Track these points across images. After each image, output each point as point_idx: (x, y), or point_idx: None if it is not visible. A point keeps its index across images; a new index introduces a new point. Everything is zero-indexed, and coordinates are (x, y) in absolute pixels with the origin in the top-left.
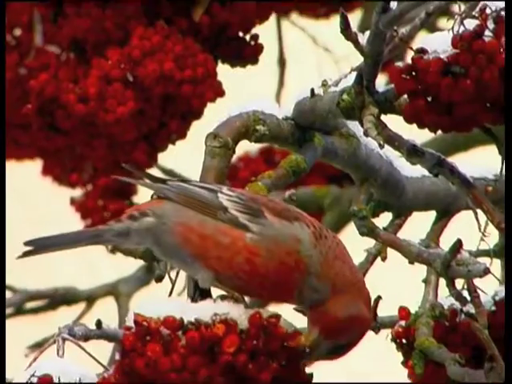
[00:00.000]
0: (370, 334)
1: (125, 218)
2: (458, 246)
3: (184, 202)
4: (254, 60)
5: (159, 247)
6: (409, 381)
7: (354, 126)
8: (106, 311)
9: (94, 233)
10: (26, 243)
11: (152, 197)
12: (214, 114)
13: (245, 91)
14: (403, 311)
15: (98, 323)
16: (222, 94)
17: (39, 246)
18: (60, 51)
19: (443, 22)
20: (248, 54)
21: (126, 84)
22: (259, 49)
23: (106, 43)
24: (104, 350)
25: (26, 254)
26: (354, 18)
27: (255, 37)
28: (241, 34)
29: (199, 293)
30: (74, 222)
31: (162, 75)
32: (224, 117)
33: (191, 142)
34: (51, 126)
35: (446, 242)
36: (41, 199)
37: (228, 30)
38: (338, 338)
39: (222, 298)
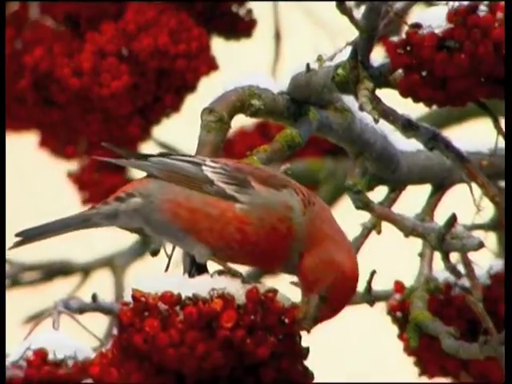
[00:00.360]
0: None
1: (111, 200)
2: (452, 219)
3: (168, 178)
4: (248, 34)
5: (149, 226)
6: (409, 380)
7: (348, 100)
8: (101, 283)
9: (82, 217)
10: (17, 234)
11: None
12: (210, 88)
13: (240, 65)
14: (398, 285)
15: (94, 296)
16: (215, 67)
17: (29, 237)
18: (55, 25)
19: None
20: (242, 27)
21: (121, 58)
22: (253, 23)
23: (101, 18)
24: (99, 323)
25: (16, 245)
26: None
27: (249, 11)
28: (235, 8)
29: (196, 268)
30: (73, 194)
31: (157, 50)
32: (219, 91)
33: (185, 116)
34: (46, 100)
35: (440, 216)
36: (39, 171)
37: (222, 3)
38: (317, 287)
39: (219, 273)
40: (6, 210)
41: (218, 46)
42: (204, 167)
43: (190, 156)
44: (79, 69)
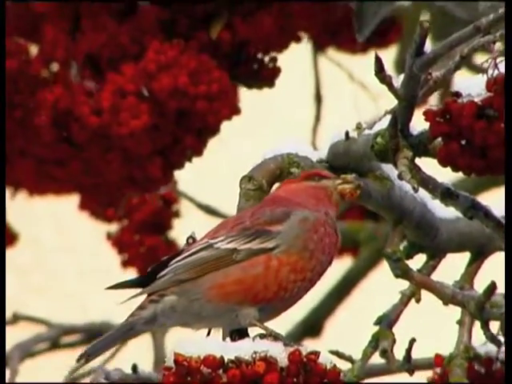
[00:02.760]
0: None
1: (146, 303)
2: (492, 287)
3: (196, 274)
4: (271, 83)
5: (192, 319)
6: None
7: (388, 167)
8: (140, 345)
9: (127, 327)
10: (82, 355)
11: (188, 240)
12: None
13: (282, 126)
14: (438, 358)
15: (134, 367)
16: (237, 111)
17: (91, 355)
18: (76, 66)
19: (482, 58)
20: (266, 75)
21: (141, 98)
22: (277, 71)
23: (122, 58)
24: None
25: (83, 363)
26: (391, 51)
27: (274, 59)
28: (260, 55)
29: (236, 334)
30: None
31: (176, 90)
32: (259, 159)
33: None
34: (66, 138)
35: (480, 284)
36: (79, 230)
37: (247, 48)
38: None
39: (261, 336)
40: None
41: (260, 104)
42: (217, 244)
43: (196, 245)
44: (99, 107)
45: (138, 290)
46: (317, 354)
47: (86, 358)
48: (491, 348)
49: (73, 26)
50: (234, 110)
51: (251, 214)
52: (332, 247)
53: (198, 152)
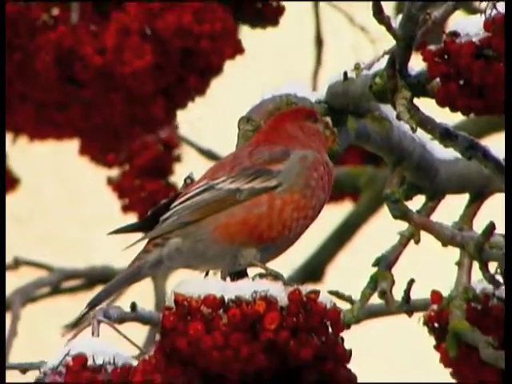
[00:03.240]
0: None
1: (151, 247)
2: (491, 228)
3: (202, 215)
4: (275, 21)
5: (197, 261)
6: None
7: (386, 108)
8: (142, 289)
9: (133, 271)
10: (87, 305)
11: (185, 180)
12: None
13: (284, 68)
14: (435, 295)
15: (133, 306)
16: (241, 51)
17: (96, 304)
18: (78, 7)
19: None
20: (269, 14)
21: (144, 37)
22: (281, 10)
23: None
24: (139, 332)
25: (86, 313)
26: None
27: None
28: None
29: (236, 274)
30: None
31: (180, 28)
32: (257, 100)
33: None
34: (69, 78)
35: (479, 225)
36: (79, 176)
37: None
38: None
39: (261, 276)
40: (49, 216)
41: (261, 48)
42: (219, 185)
43: (197, 187)
44: (102, 46)
45: (140, 234)
46: (317, 293)
47: (93, 304)
48: (488, 285)
49: None
50: (238, 49)
51: (248, 153)
52: (330, 185)
53: (202, 92)
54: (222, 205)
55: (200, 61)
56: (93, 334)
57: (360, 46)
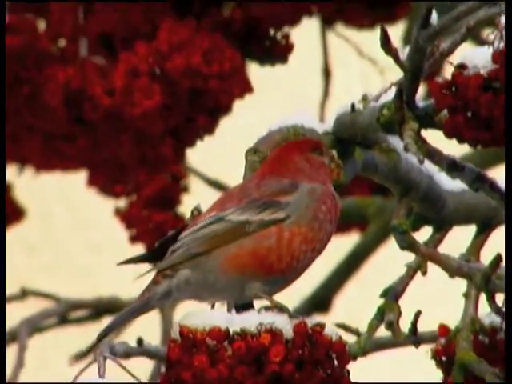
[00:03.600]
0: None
1: (160, 279)
2: (498, 260)
3: (211, 246)
4: (284, 59)
5: (206, 292)
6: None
7: (394, 140)
8: (148, 320)
9: (142, 303)
10: (97, 339)
11: (192, 212)
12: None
13: (291, 100)
14: (443, 328)
15: (139, 341)
16: (250, 90)
17: (105, 335)
18: (87, 44)
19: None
20: (278, 52)
21: (153, 78)
22: (290, 47)
23: (134, 37)
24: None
25: (99, 339)
26: (399, 27)
27: (286, 35)
28: (272, 32)
29: (241, 306)
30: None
31: (189, 69)
32: (264, 132)
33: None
34: (78, 119)
35: (486, 256)
36: (87, 204)
37: (259, 26)
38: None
39: (266, 308)
40: (58, 244)
41: (270, 81)
42: (228, 217)
43: (205, 219)
44: (111, 87)
45: (147, 265)
46: (322, 325)
47: (103, 335)
48: (495, 318)
49: (85, 5)
50: (247, 88)
51: (256, 185)
52: (336, 218)
53: (210, 131)
54: (232, 236)
55: (209, 101)
56: (99, 370)
57: (368, 76)
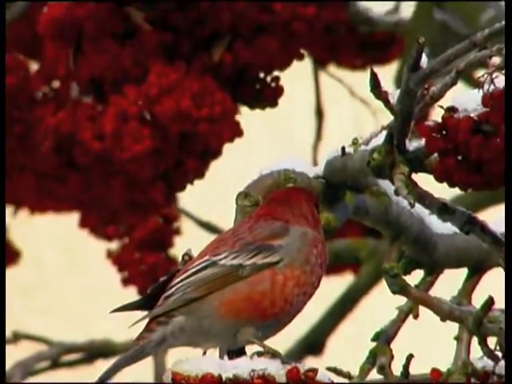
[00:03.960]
0: None
1: (154, 326)
2: (489, 303)
3: (206, 291)
4: (274, 102)
5: (200, 338)
6: None
7: (385, 183)
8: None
9: (138, 350)
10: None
11: (183, 257)
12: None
13: (282, 141)
14: (435, 372)
15: None
16: (240, 133)
17: (104, 380)
18: (78, 89)
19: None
20: (268, 95)
21: (143, 122)
22: (280, 91)
23: (124, 81)
24: None
25: None
26: (392, 66)
27: (276, 79)
28: (262, 75)
29: (233, 352)
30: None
31: (179, 113)
32: (256, 175)
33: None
34: (69, 163)
35: (478, 300)
36: (81, 246)
37: (249, 69)
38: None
39: (259, 354)
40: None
41: (260, 120)
42: (221, 261)
43: (198, 263)
44: (101, 132)
45: (140, 312)
46: (315, 371)
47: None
48: (488, 362)
49: (74, 48)
50: (237, 132)
51: (248, 228)
52: (325, 263)
53: (200, 175)
54: (226, 281)
55: (198, 144)
56: None
57: (361, 117)
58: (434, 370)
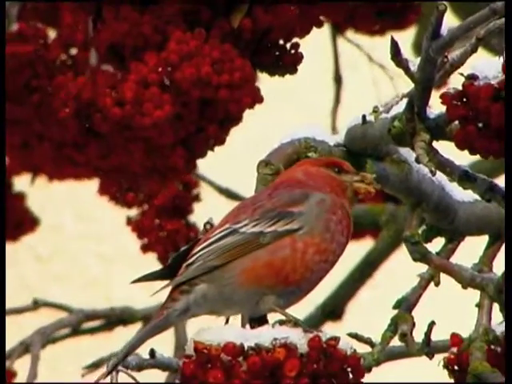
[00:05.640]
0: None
1: (177, 295)
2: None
3: (226, 259)
4: (294, 69)
5: (222, 306)
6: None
7: (405, 151)
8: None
9: (163, 321)
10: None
11: (205, 226)
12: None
13: (302, 107)
14: (455, 338)
15: (152, 353)
16: (260, 100)
17: (130, 352)
18: (97, 57)
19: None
20: (287, 62)
21: (163, 88)
22: (299, 58)
23: (144, 48)
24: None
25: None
26: (410, 31)
27: (296, 45)
28: (281, 41)
29: (255, 321)
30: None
31: (199, 79)
32: (276, 143)
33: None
34: (89, 130)
35: (498, 267)
36: (99, 214)
37: (269, 35)
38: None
39: (281, 322)
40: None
41: (279, 86)
42: (242, 229)
43: (219, 231)
44: (121, 98)
45: (161, 280)
46: (336, 339)
47: (124, 355)
48: None
49: (94, 16)
50: (257, 98)
51: (268, 196)
52: (348, 230)
53: (221, 141)
54: (247, 249)
55: (219, 111)
56: (111, 383)
57: (379, 82)
58: (455, 336)
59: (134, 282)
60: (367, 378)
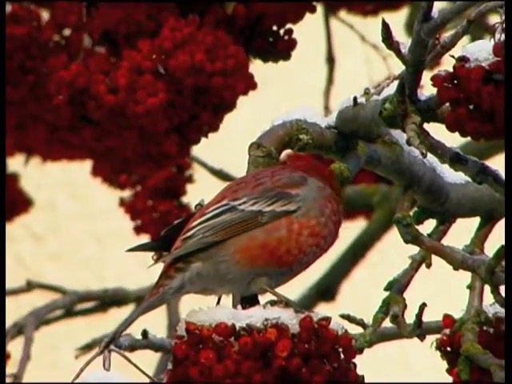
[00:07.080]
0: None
1: (173, 272)
2: (502, 252)
3: (224, 236)
4: (287, 55)
5: (215, 284)
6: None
7: (396, 133)
8: (153, 312)
9: (158, 299)
10: (116, 332)
11: (196, 207)
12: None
13: (294, 88)
14: (447, 319)
15: (144, 333)
16: (254, 86)
17: (125, 328)
18: (92, 42)
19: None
20: (281, 48)
21: (157, 75)
22: (293, 44)
23: (138, 34)
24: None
25: (118, 335)
26: (402, 14)
27: (289, 31)
28: (275, 28)
29: (247, 300)
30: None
31: (193, 67)
32: (267, 125)
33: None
34: (83, 117)
35: (490, 248)
36: (93, 193)
37: (262, 22)
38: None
39: (272, 303)
40: (63, 233)
41: (270, 67)
42: (241, 206)
43: (217, 207)
44: (115, 85)
45: (153, 254)
46: (328, 319)
47: (119, 334)
48: (500, 308)
49: (88, 1)
50: (250, 85)
51: (270, 174)
52: (338, 228)
53: (215, 128)
54: (245, 227)
55: (212, 98)
56: (104, 363)
57: (372, 62)
58: (446, 317)
59: (129, 250)
60: (359, 359)
